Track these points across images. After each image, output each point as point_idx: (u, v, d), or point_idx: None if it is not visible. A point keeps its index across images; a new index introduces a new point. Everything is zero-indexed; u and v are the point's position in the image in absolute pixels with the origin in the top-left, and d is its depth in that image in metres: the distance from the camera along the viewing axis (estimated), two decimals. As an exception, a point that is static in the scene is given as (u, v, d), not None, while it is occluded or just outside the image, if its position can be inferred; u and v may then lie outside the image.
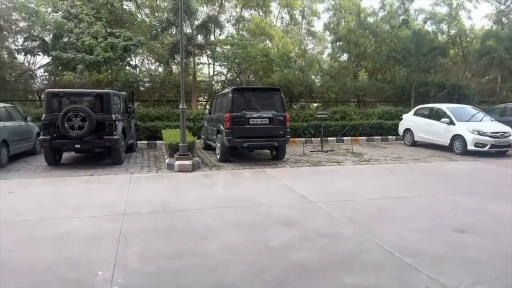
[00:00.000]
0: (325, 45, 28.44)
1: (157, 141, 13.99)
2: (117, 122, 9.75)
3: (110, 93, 9.65)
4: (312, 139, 15.44)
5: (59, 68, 16.82)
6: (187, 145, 9.52)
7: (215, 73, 18.44)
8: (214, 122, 11.44)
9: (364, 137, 16.30)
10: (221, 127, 10.37)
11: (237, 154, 11.11)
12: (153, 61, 22.69)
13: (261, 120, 10.18)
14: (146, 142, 13.93)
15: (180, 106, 9.47)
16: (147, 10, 21.78)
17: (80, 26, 14.24)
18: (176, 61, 16.90)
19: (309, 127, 15.72)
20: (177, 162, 9.09)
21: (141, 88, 16.56)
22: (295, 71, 17.10)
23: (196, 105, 16.47)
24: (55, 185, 7.52)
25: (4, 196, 6.60)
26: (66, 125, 9.03)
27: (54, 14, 17.84)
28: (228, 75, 18.20)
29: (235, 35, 16.24)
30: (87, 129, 9.08)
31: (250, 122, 10.08)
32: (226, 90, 10.80)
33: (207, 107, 13.96)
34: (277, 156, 11.02)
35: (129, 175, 8.53)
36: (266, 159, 11.24)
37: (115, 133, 9.55)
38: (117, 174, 8.72)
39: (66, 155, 10.74)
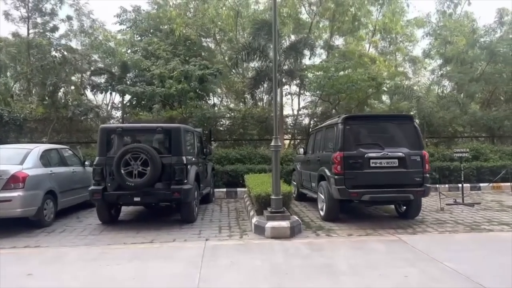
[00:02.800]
0: (423, 73, 24.97)
1: (238, 189, 11.62)
2: (189, 167, 7.54)
3: (181, 128, 7.54)
4: (437, 185, 11.86)
5: (137, 108, 15.88)
6: (282, 198, 6.91)
7: (306, 105, 16.07)
8: (314, 165, 8.73)
9: (508, 183, 12.28)
10: (327, 171, 7.61)
11: (346, 209, 8.19)
12: (232, 98, 21.22)
13: (388, 162, 7.21)
14: (225, 190, 11.63)
15: (273, 143, 6.96)
16: (225, 47, 20.59)
17: (157, 64, 13.08)
18: (260, 90, 14.90)
19: (431, 170, 12.20)
20: (269, 224, 6.46)
21: (219, 127, 14.68)
22: (409, 100, 13.96)
23: (283, 144, 14.03)
24: (97, 261, 5.22)
25: (16, 283, 4.52)
26: (122, 171, 7.00)
27: (133, 54, 17.31)
28: (321, 107, 15.69)
29: (331, 58, 13.81)
30: (150, 176, 6.96)
31: (372, 165, 7.17)
32: (333, 120, 8.11)
33: (302, 146, 11.38)
34: (408, 213, 7.84)
35: (202, 243, 6.07)
36: (390, 217, 8.11)
37: (186, 181, 7.31)
38: (187, 240, 6.33)
39: (127, 208, 8.78)
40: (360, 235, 6.55)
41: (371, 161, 7.16)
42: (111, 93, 17.22)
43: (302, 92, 15.68)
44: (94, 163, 7.34)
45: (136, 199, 7.16)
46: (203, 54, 17.92)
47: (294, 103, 17.40)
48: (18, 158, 7.32)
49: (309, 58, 14.34)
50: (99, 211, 7.61)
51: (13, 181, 6.78)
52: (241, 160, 12.56)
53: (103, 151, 7.34)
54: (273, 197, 6.77)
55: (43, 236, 6.76)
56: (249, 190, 8.41)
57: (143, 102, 17.37)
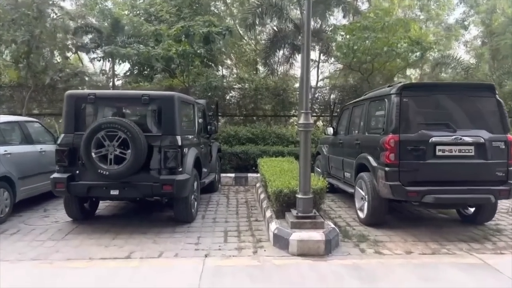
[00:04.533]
0: (456, 44, 22.53)
1: (249, 174, 9.85)
2: (185, 150, 5.75)
3: (175, 98, 5.68)
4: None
5: (138, 78, 14.05)
6: (312, 197, 5.12)
7: (330, 75, 13.97)
8: (349, 150, 6.87)
9: None
10: (371, 160, 5.77)
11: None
12: (243, 70, 19.09)
13: (461, 150, 5.30)
14: (233, 175, 9.87)
15: (302, 119, 5.08)
16: (236, 10, 18.39)
17: (161, 28, 11.11)
18: (274, 61, 12.91)
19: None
20: (296, 235, 4.68)
21: (228, 100, 12.78)
22: (457, 71, 11.84)
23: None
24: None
25: None
26: (93, 155, 5.23)
27: (133, 16, 15.29)
28: (348, 78, 13.62)
29: (366, 16, 11.67)
30: (131, 163, 5.18)
31: (438, 153, 5.31)
32: (383, 91, 6.16)
33: (330, 124, 9.51)
34: (477, 218, 5.96)
35: (200, 261, 4.30)
36: (449, 221, 6.26)
37: (180, 169, 5.55)
38: (178, 255, 4.55)
39: (106, 202, 7.10)
40: (424, 253, 4.73)
41: (438, 148, 5.25)
42: (108, 60, 15.42)
43: (327, 58, 13.60)
44: (58, 142, 5.57)
45: (113, 192, 5.39)
46: (211, 19, 15.87)
47: (314, 74, 15.34)
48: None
49: (344, 16, 12.13)
50: (67, 205, 5.87)
51: None
52: (253, 140, 10.72)
53: (70, 127, 5.53)
54: (300, 196, 4.96)
55: (-15, 240, 5.11)
56: (265, 181, 6.61)
57: (145, 72, 15.61)
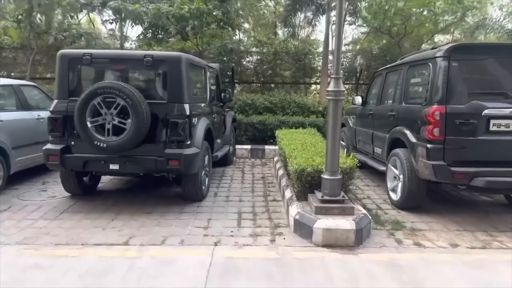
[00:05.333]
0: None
1: (266, 147, 9.18)
2: (194, 119, 5.07)
3: (182, 59, 4.89)
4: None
5: (151, 42, 13.27)
6: (341, 178, 4.42)
7: (356, 39, 12.85)
8: (381, 122, 6.06)
9: None
10: (409, 135, 4.98)
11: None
12: (261, 34, 17.95)
13: (520, 124, 4.53)
14: (249, 147, 9.21)
15: (331, 86, 4.27)
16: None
17: None
18: (300, 20, 11.82)
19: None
20: (321, 222, 4.01)
21: (245, 65, 11.94)
22: (500, 35, 10.65)
23: (326, 89, 11.25)
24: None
25: None
26: (88, 124, 4.63)
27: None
28: (374, 43, 12.53)
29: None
30: (131, 134, 4.52)
31: (492, 128, 4.50)
32: (425, 53, 5.27)
33: (358, 93, 8.68)
34: (529, 204, 5.25)
35: (208, 251, 3.68)
36: (493, 204, 5.52)
37: (189, 141, 4.91)
38: (184, 241, 3.95)
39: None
40: (473, 247, 4.02)
41: (492, 122, 4.41)
42: (119, 21, 14.54)
43: (354, 20, 12.47)
44: (50, 109, 4.95)
45: (113, 167, 4.78)
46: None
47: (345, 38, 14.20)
48: None
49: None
50: (63, 180, 5.31)
51: None
52: (271, 110, 9.95)
53: (64, 92, 4.88)
54: (326, 176, 4.26)
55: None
56: (284, 156, 5.92)
57: (159, 36, 14.78)
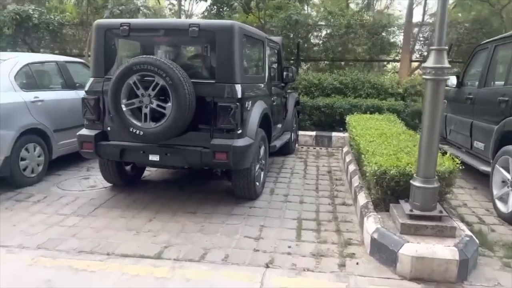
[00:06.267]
0: None
1: (334, 134, 8.13)
2: (247, 104, 4.23)
3: (235, 29, 3.97)
4: None
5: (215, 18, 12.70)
6: (437, 186, 3.36)
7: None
8: (485, 109, 4.78)
9: None
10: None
11: None
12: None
13: None
14: (313, 133, 8.23)
15: (431, 62, 3.05)
16: None
17: None
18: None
19: None
20: (410, 247, 2.90)
21: (312, 41, 10.83)
22: None
23: (409, 68, 9.76)
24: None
25: None
26: (123, 108, 4.00)
27: None
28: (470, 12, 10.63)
29: None
30: (172, 120, 3.77)
31: None
32: None
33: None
34: None
35: (258, 275, 2.87)
36: None
37: (240, 130, 4.08)
38: (228, 258, 3.13)
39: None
40: None
41: None
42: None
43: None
44: (85, 89, 4.40)
45: (153, 158, 4.13)
46: None
47: (419, 9, 12.45)
48: (-28, 75, 4.67)
49: None
50: (102, 169, 4.77)
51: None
52: (340, 91, 8.80)
53: (100, 68, 4.27)
54: (418, 183, 3.21)
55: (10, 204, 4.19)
56: (358, 150, 4.89)
57: (223, 13, 14.17)
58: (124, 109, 3.85)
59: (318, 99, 8.52)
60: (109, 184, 4.97)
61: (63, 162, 5.66)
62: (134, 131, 3.86)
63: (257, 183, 4.57)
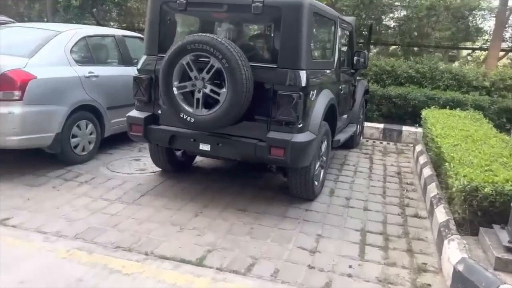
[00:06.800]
0: None
1: (405, 128, 7.34)
2: (312, 93, 3.69)
3: (304, 6, 3.41)
4: None
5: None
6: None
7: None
8: None
9: None
10: None
11: None
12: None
13: None
14: (381, 126, 7.46)
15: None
16: None
17: None
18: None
19: None
20: None
21: (385, 23, 9.92)
22: None
23: (497, 57, 8.54)
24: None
25: None
26: (175, 90, 3.66)
27: None
28: None
29: None
30: (226, 108, 3.36)
31: None
32: None
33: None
34: None
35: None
36: None
37: (300, 123, 3.57)
38: (278, 273, 2.67)
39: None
40: None
41: None
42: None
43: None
44: (137, 67, 4.11)
45: (203, 147, 3.78)
46: None
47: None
48: (29, 47, 4.55)
49: None
50: (152, 153, 4.51)
51: (4, 86, 4.00)
52: (415, 80, 7.90)
53: (153, 46, 3.94)
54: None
55: (44, 188, 3.97)
56: (438, 154, 4.22)
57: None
58: (175, 92, 3.51)
59: (389, 88, 7.72)
60: (159, 169, 4.74)
61: (115, 140, 5.53)
62: (184, 117, 3.51)
63: (316, 183, 4.08)
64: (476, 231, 2.95)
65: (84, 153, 4.85)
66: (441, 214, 3.40)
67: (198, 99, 3.47)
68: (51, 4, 10.14)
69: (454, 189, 3.07)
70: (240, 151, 3.63)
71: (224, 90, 3.36)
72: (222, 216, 3.63)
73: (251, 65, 3.39)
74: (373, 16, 9.29)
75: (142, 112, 3.96)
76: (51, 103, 4.31)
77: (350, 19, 5.58)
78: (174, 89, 3.51)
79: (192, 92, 3.50)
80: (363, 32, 9.76)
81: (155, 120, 3.94)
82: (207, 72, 3.39)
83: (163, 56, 3.62)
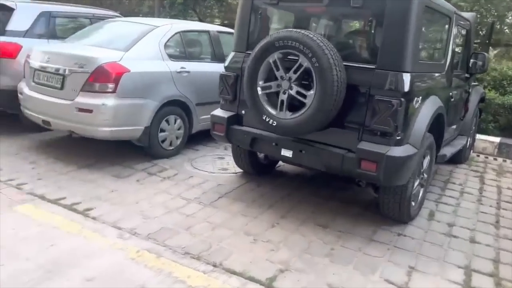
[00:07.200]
0: None
1: (522, 143, 6.28)
2: (416, 100, 3.14)
3: (415, 1, 3.09)
4: None
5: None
6: None
7: None
8: None
9: None
10: None
11: None
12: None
13: None
14: (497, 140, 6.35)
15: None
16: None
17: None
18: None
19: None
20: None
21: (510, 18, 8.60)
22: None
23: None
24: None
25: None
26: (259, 90, 3.39)
27: None
28: None
29: None
30: (313, 112, 2.98)
31: None
32: None
33: None
34: None
35: None
36: None
37: (398, 136, 3.06)
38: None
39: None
40: None
41: None
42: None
43: None
44: (225, 64, 3.95)
45: (285, 153, 3.46)
46: None
47: None
48: (126, 40, 4.66)
49: None
50: (234, 154, 4.35)
51: (99, 78, 4.15)
52: (545, 88, 6.72)
53: (242, 42, 3.73)
54: None
55: (128, 181, 4.03)
56: None
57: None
58: (259, 92, 3.26)
59: (510, 96, 6.63)
60: (241, 170, 4.58)
61: (203, 137, 5.51)
62: (267, 119, 3.24)
63: (413, 203, 3.54)
64: None
65: (171, 148, 4.88)
66: None
67: (282, 101, 3.17)
68: (159, 0, 10.69)
69: None
70: (325, 161, 3.25)
71: (311, 92, 3.02)
72: (300, 231, 3.30)
73: (345, 65, 3.01)
74: (496, 13, 8.10)
75: (226, 111, 3.80)
76: (142, 96, 4.38)
77: (469, 15, 4.81)
78: (259, 89, 3.26)
79: (277, 93, 3.22)
80: (481, 32, 8.61)
81: (238, 120, 3.75)
82: (295, 72, 3.07)
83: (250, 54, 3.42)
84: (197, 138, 5.44)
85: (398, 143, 3.03)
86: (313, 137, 3.27)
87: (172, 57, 4.83)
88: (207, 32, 5.51)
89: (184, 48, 5.09)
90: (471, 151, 6.08)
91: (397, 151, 3.00)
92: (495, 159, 6.13)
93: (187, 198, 3.79)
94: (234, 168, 4.63)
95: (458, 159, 5.45)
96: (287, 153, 3.45)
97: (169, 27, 4.95)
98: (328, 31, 3.70)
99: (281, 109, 3.19)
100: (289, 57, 3.13)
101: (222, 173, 4.52)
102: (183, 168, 4.57)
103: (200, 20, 10.52)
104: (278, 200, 3.88)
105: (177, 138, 4.94)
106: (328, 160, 3.23)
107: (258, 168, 4.44)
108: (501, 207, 4.18)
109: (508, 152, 6.27)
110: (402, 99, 2.92)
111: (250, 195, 3.97)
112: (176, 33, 4.96)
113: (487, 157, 6.20)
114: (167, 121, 4.74)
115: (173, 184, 4.12)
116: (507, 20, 9.68)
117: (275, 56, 3.14)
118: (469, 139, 5.57)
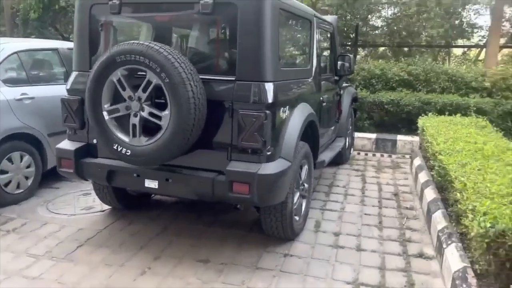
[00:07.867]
0: None
1: (399, 137, 6.63)
2: (283, 111, 2.92)
3: (265, 2, 2.67)
4: None
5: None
6: None
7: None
8: None
9: None
10: None
11: None
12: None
13: None
14: (373, 136, 6.77)
15: None
16: None
17: None
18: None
19: None
20: None
21: (373, 20, 9.28)
22: None
23: (496, 55, 7.87)
24: None
25: None
26: (105, 115, 2.90)
27: None
28: None
29: None
30: (171, 135, 2.58)
31: None
32: None
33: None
34: None
35: None
36: None
37: (269, 151, 2.78)
38: None
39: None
40: None
41: None
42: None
43: None
44: (66, 86, 3.37)
45: (150, 184, 3.00)
46: None
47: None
48: None
49: None
50: (95, 188, 3.75)
51: None
52: (408, 84, 7.20)
53: (84, 59, 3.15)
54: None
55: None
56: (443, 176, 3.51)
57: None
58: (106, 117, 2.75)
59: (380, 93, 7.02)
60: (108, 207, 3.98)
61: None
62: (119, 149, 2.74)
63: (296, 217, 3.33)
64: (502, 285, 2.23)
65: (19, 191, 4.06)
66: (454, 257, 2.66)
67: (134, 125, 2.70)
68: (9, 17, 9.36)
69: (472, 234, 2.33)
70: (194, 188, 2.86)
71: (167, 112, 2.61)
72: (175, 273, 2.86)
73: (202, 79, 2.67)
74: (358, 16, 8.65)
75: (74, 142, 3.20)
76: (-33, 134, 3.56)
77: (330, 18, 4.88)
78: (105, 113, 2.75)
79: (127, 117, 2.76)
80: (350, 34, 9.15)
81: (90, 151, 3.18)
82: (144, 90, 2.64)
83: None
84: (57, 174, 4.67)
85: (270, 159, 2.77)
86: (179, 162, 2.86)
87: (8, 82, 4.03)
88: (56, 50, 4.77)
89: (25, 70, 4.31)
90: (352, 150, 6.28)
91: (269, 168, 2.73)
92: (374, 155, 6.41)
93: (35, 255, 3.08)
94: (101, 205, 4.00)
95: (340, 160, 5.53)
96: (152, 184, 2.98)
97: (2, 46, 4.15)
98: (182, 42, 3.35)
99: (134, 135, 2.72)
100: (134, 74, 2.70)
101: (85, 214, 3.86)
102: (35, 215, 3.80)
103: (63, 38, 9.49)
104: (152, 238, 3.38)
105: (26, 178, 4.13)
106: (198, 186, 2.84)
107: (127, 202, 3.87)
108: (382, 205, 4.23)
109: (385, 147, 6.62)
110: (267, 112, 2.67)
111: (118, 237, 3.41)
112: (12, 54, 4.15)
113: (366, 154, 6.46)
114: (9, 159, 3.94)
115: (19, 237, 3.36)
116: (371, 22, 10.49)
117: (119, 73, 2.66)
118: (347, 140, 5.70)
